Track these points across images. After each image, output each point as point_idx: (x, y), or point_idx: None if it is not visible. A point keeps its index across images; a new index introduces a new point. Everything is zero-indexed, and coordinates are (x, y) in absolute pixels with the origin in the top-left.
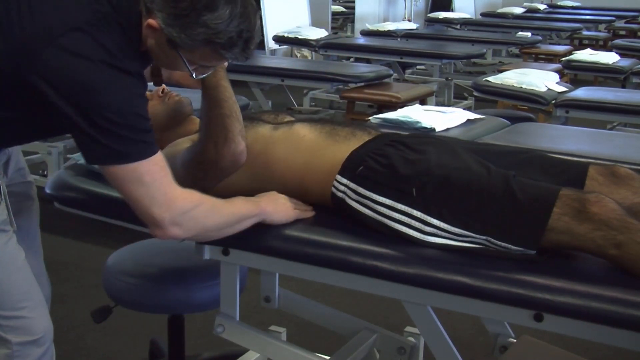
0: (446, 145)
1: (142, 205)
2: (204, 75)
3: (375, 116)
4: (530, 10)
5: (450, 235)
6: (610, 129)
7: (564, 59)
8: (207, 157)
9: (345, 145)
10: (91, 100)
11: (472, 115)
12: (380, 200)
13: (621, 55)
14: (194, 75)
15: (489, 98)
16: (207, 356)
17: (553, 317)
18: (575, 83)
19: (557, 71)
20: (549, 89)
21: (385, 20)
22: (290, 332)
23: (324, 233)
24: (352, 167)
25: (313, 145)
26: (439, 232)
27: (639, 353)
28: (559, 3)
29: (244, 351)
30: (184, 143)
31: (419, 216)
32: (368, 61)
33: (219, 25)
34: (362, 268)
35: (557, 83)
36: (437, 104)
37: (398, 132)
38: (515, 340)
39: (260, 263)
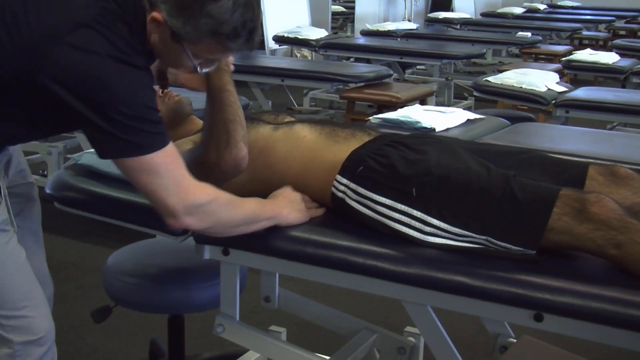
0: (446, 145)
1: (158, 196)
2: (208, 69)
3: (375, 116)
4: (530, 10)
5: (450, 235)
6: (610, 129)
7: (564, 59)
8: (208, 160)
9: (345, 145)
10: (103, 95)
11: (472, 115)
12: (380, 200)
13: (621, 55)
14: (198, 69)
15: (489, 98)
16: (207, 356)
17: (553, 317)
18: (575, 83)
19: (557, 71)
20: (549, 89)
21: (385, 20)
22: (290, 332)
23: (324, 233)
24: (352, 167)
25: (313, 145)
26: (439, 232)
27: (639, 353)
28: (559, 3)
29: (244, 351)
30: (185, 144)
31: (419, 216)
32: (368, 61)
33: (223, 16)
34: (362, 268)
35: (557, 83)
36: (437, 104)
37: (398, 132)
38: (515, 340)
39: (260, 263)
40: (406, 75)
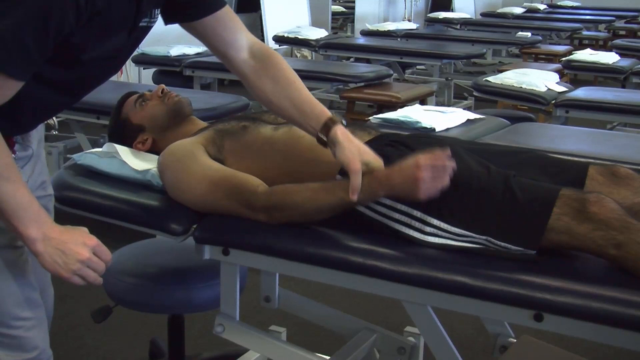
0: (446, 145)
1: None
2: None
3: (375, 116)
4: (530, 10)
5: (450, 235)
6: (610, 129)
7: (564, 59)
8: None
9: None
10: None
11: (472, 115)
12: (380, 200)
13: (621, 55)
14: None
15: (489, 98)
16: (207, 356)
17: (553, 317)
18: (575, 83)
19: (557, 71)
20: (549, 89)
21: (385, 20)
22: (290, 332)
23: (323, 233)
24: None
25: (313, 145)
26: (439, 232)
27: (639, 353)
28: (559, 3)
29: (244, 351)
30: (193, 145)
31: (419, 216)
32: (368, 61)
33: None
34: (362, 268)
35: (557, 83)
36: (437, 104)
37: (398, 132)
38: (515, 340)
39: (260, 263)
40: (406, 75)
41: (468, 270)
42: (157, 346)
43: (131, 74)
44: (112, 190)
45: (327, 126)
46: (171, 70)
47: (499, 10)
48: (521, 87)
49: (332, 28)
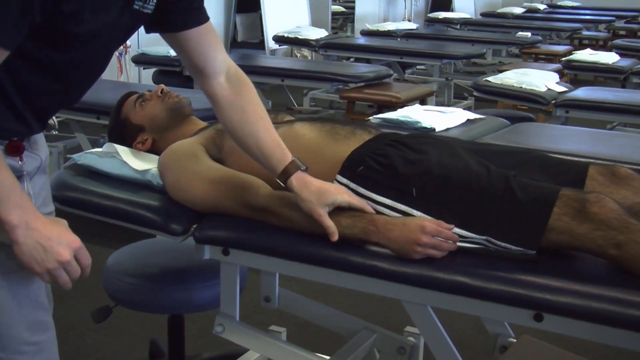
0: (446, 145)
1: None
2: None
3: (375, 116)
4: (530, 10)
5: None
6: (610, 129)
7: (564, 59)
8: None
9: (345, 144)
10: None
11: (472, 115)
12: (380, 200)
13: (621, 55)
14: None
15: (489, 98)
16: (207, 356)
17: (553, 317)
18: (575, 83)
19: (557, 71)
20: (549, 89)
21: (385, 20)
22: (290, 332)
23: (324, 233)
24: (352, 167)
25: (313, 144)
26: None
27: (639, 353)
28: (559, 3)
29: (244, 351)
30: (193, 145)
31: (419, 216)
32: (368, 61)
33: None
34: (362, 268)
35: (557, 83)
36: (437, 104)
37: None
38: (515, 340)
39: (260, 263)
40: (406, 75)
41: (468, 270)
42: (157, 346)
43: (131, 74)
44: (112, 190)
45: (286, 173)
46: (171, 70)
47: (499, 10)
48: (521, 87)
49: (332, 28)
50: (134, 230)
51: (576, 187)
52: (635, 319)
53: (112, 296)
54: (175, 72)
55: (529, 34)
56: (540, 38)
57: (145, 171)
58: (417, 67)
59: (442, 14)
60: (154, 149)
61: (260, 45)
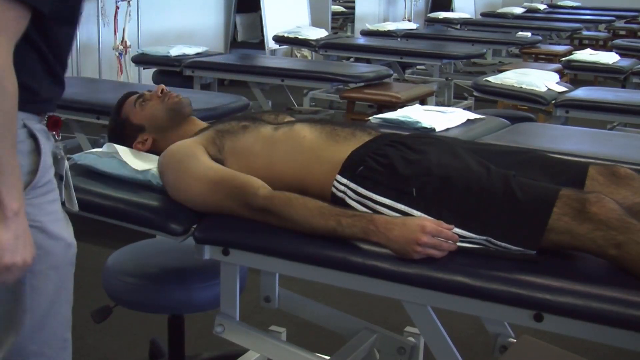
0: (446, 145)
1: None
2: None
3: (375, 116)
4: (530, 10)
5: None
6: (610, 129)
7: (564, 59)
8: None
9: (345, 145)
10: None
11: (472, 115)
12: (380, 200)
13: (621, 55)
14: None
15: (489, 98)
16: (207, 356)
17: (553, 317)
18: (575, 83)
19: (557, 71)
20: (549, 89)
21: (385, 20)
22: (290, 332)
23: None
24: (352, 167)
25: (313, 145)
26: None
27: (639, 353)
28: (559, 3)
29: (244, 351)
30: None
31: (419, 216)
32: (368, 61)
33: None
34: (362, 268)
35: (557, 83)
36: (437, 104)
37: (398, 132)
38: (515, 340)
39: (260, 263)
40: (406, 75)
41: (468, 270)
42: (157, 346)
43: (131, 74)
44: (112, 190)
45: None
46: (171, 70)
47: (499, 10)
48: (521, 87)
49: (332, 28)
50: (134, 230)
51: (576, 187)
52: (635, 319)
53: (112, 296)
54: (175, 72)
55: (529, 34)
56: (540, 38)
57: (146, 171)
58: (417, 67)
59: (442, 14)
60: (154, 149)
61: (260, 45)
